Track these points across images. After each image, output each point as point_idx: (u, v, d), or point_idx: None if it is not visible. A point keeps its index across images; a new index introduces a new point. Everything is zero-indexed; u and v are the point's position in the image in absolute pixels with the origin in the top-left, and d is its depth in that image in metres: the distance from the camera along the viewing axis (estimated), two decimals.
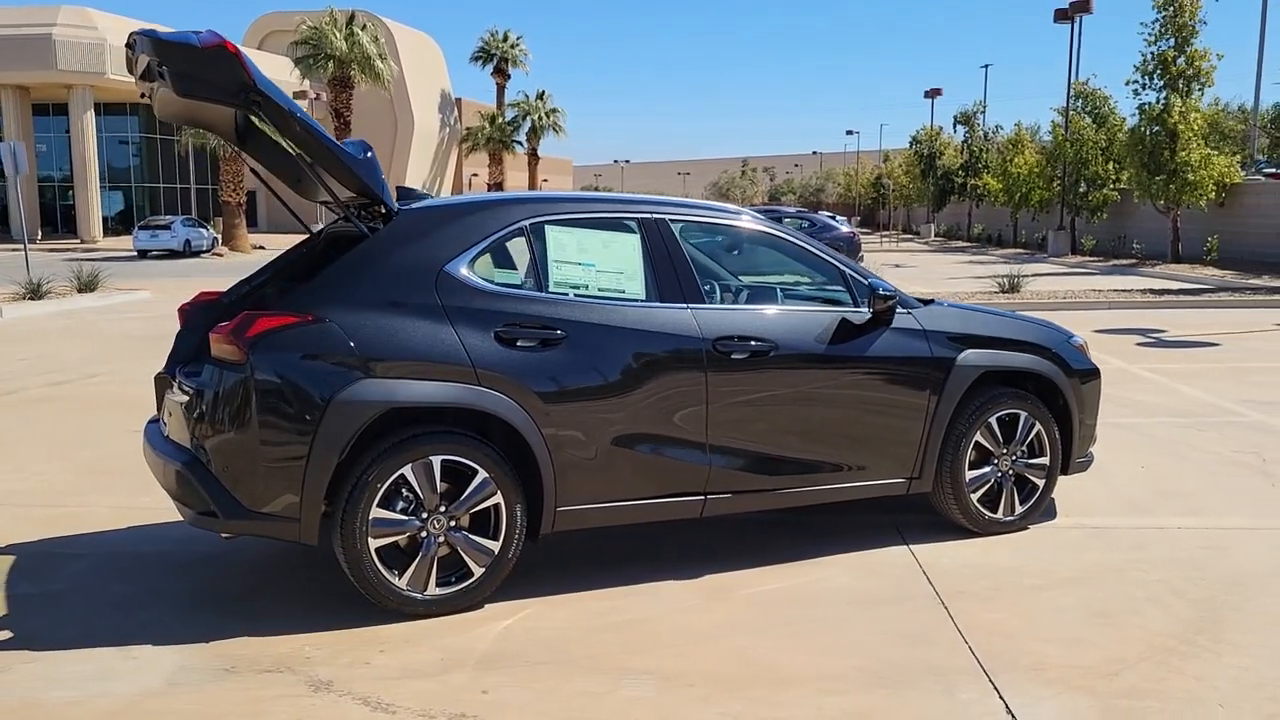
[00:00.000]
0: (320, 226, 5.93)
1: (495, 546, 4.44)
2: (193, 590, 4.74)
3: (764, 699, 3.64)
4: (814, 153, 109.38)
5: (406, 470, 4.28)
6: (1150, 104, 27.51)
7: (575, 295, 4.68)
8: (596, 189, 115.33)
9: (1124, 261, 29.69)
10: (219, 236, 43.11)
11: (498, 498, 4.42)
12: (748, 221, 5.34)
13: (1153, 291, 19.85)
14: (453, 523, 4.38)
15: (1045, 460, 5.59)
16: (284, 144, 4.57)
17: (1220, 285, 21.13)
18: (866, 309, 5.20)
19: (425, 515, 4.33)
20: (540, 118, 67.45)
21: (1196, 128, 26.72)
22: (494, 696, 3.66)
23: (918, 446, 5.27)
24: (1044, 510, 5.66)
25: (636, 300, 4.78)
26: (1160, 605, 4.49)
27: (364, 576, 4.25)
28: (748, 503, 4.98)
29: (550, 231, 4.76)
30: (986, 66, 55.57)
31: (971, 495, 5.42)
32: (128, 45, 4.63)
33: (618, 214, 4.96)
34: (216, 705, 3.60)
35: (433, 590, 4.36)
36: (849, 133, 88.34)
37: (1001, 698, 3.62)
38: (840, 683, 3.76)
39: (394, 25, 62.95)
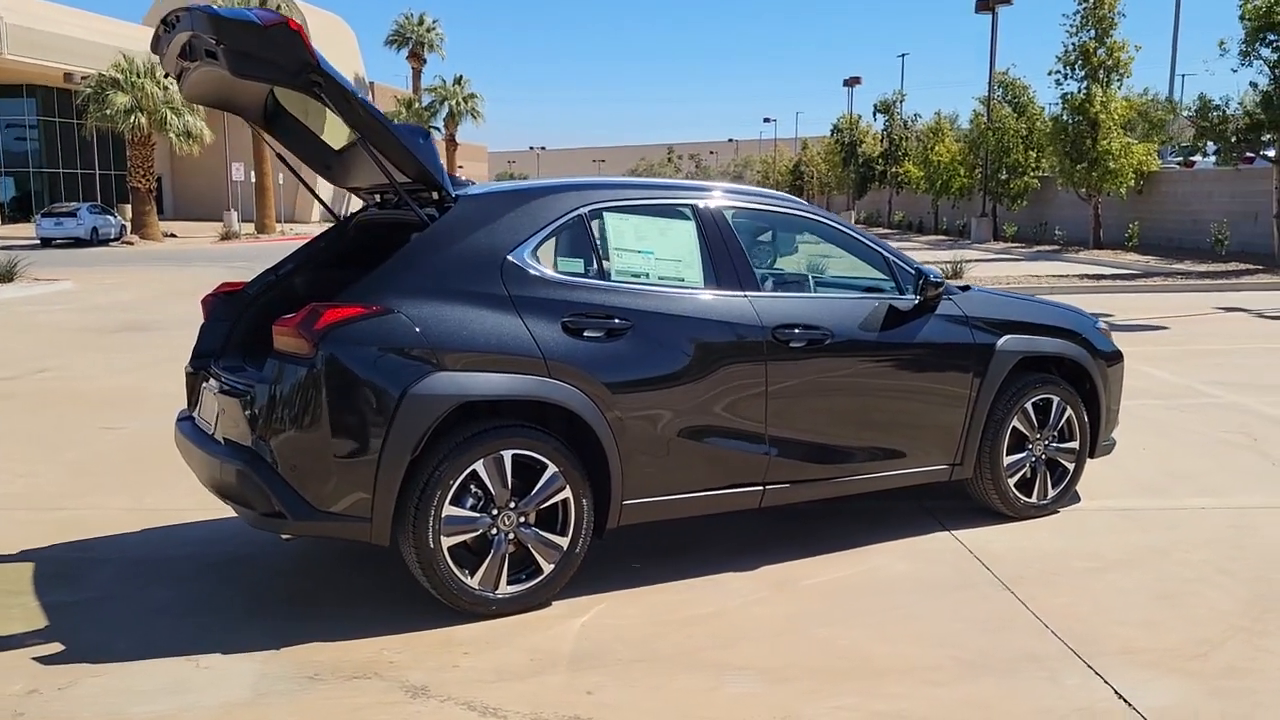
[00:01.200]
0: (329, 216, 5.75)
1: (564, 542, 4.34)
2: (237, 594, 4.53)
3: (871, 690, 3.61)
4: (730, 140, 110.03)
5: (478, 465, 4.14)
6: (1072, 94, 28.19)
7: (638, 284, 4.59)
8: (511, 176, 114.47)
9: (1047, 248, 30.44)
10: (127, 224, 41.61)
11: (566, 492, 4.31)
12: (797, 208, 5.29)
13: (1089, 276, 20.39)
14: (522, 519, 4.26)
15: (1075, 444, 5.67)
16: (308, 128, 4.37)
17: (1147, 270, 21.80)
18: (913, 295, 5.20)
19: (496, 512, 4.20)
20: (458, 103, 66.59)
21: (1117, 117, 27.49)
22: (600, 697, 3.56)
23: (960, 433, 5.29)
24: (1071, 494, 5.74)
25: (696, 289, 4.71)
26: (1214, 585, 4.57)
27: (438, 577, 4.11)
28: (804, 492, 4.95)
29: (609, 219, 4.66)
30: (903, 56, 56.53)
31: (1009, 480, 5.47)
32: (164, 22, 4.39)
33: (673, 200, 4.88)
34: (313, 715, 3.44)
35: (504, 589, 4.24)
36: (766, 120, 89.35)
37: (1107, 682, 3.64)
38: (941, 672, 3.75)
39: (304, 6, 61.35)
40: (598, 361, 4.34)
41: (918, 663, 3.83)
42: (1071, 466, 5.67)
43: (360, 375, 4.01)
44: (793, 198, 5.42)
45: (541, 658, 3.88)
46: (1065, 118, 28.34)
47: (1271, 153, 20.88)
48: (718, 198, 4.98)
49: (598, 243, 4.61)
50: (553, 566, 4.32)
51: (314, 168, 5.21)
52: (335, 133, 4.96)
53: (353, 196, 5.52)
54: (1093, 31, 27.88)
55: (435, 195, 4.57)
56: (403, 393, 4.01)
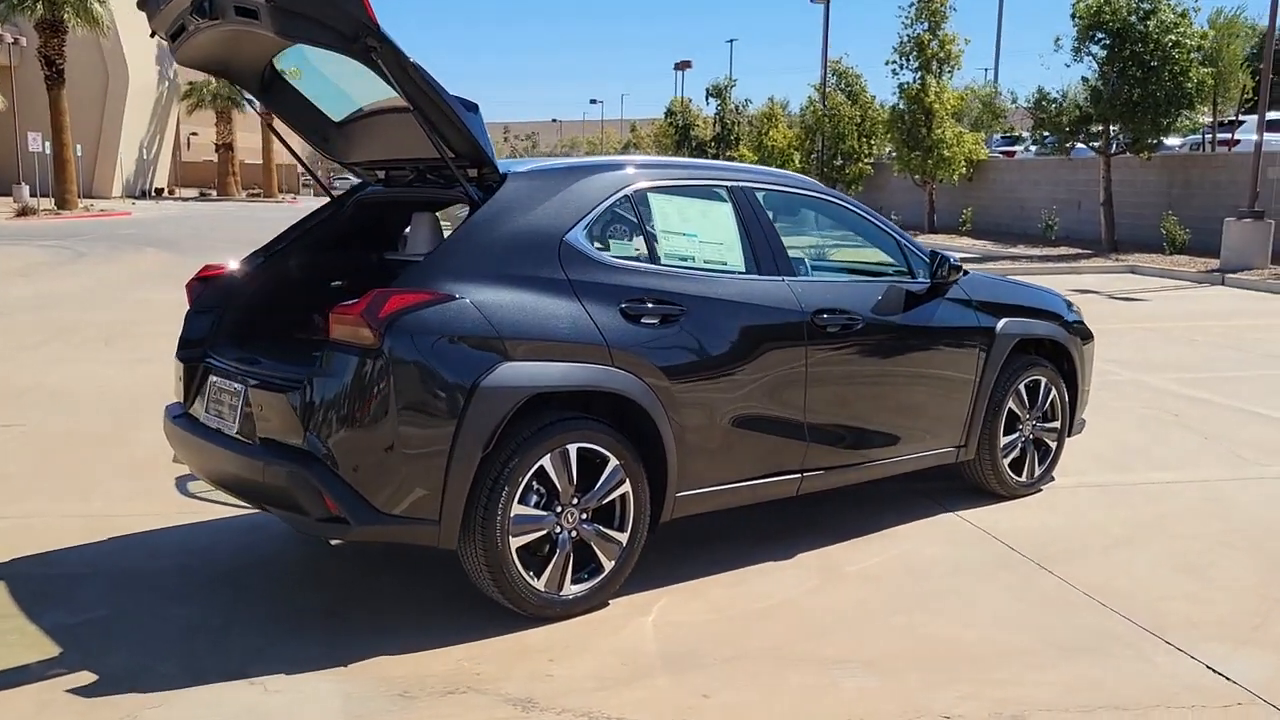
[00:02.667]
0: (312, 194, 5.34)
1: (623, 538, 4.16)
2: (265, 607, 4.14)
3: (981, 677, 3.60)
4: (554, 120, 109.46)
5: (545, 461, 3.91)
6: (908, 84, 29.31)
7: (688, 268, 4.43)
8: None
9: None
10: None
11: (626, 486, 4.13)
12: (813, 189, 5.22)
13: None
14: (584, 515, 4.05)
15: (1058, 424, 5.85)
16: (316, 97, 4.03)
17: (986, 254, 22.89)
18: (925, 279, 5.23)
19: (560, 509, 3.99)
20: None
21: (950, 106, 28.75)
22: (719, 699, 3.43)
23: (966, 415, 5.37)
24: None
25: (738, 273, 4.59)
26: (1225, 558, 4.79)
27: (506, 580, 3.86)
28: (837, 478, 4.92)
29: (654, 199, 4.48)
30: (732, 41, 57.45)
31: (1004, 461, 5.60)
32: None
33: (709, 180, 4.74)
34: None
35: (569, 589, 4.03)
36: (593, 101, 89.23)
37: (1195, 659, 3.75)
38: (1037, 655, 3.78)
39: None
40: (655, 349, 4.17)
41: (1009, 646, 3.85)
42: (1054, 445, 5.86)
43: (429, 367, 3.71)
44: (806, 178, 5.35)
45: (633, 661, 3.70)
46: (902, 107, 29.43)
47: (1098, 144, 22.24)
48: (747, 178, 4.87)
49: (646, 224, 4.42)
50: (613, 564, 4.14)
51: (310, 140, 4.82)
52: (337, 104, 4.60)
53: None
54: (926, 24, 29.03)
55: (475, 172, 4.28)
56: (474, 385, 3.74)
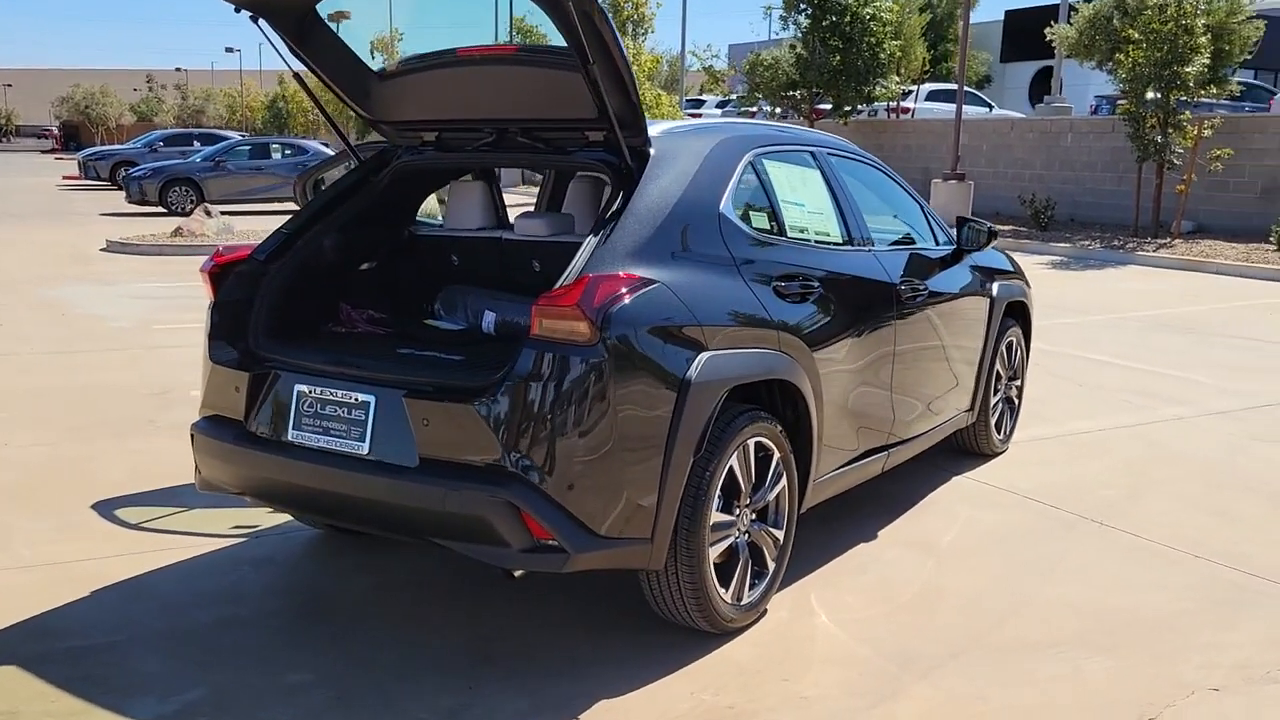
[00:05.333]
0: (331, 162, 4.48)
1: (780, 535, 3.84)
2: (394, 653, 3.43)
3: (1191, 643, 3.63)
4: (178, 69, 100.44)
5: (734, 460, 3.51)
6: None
7: (810, 240, 4.14)
8: None
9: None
10: None
11: (784, 479, 3.81)
12: (852, 152, 4.98)
13: None
14: (753, 515, 3.70)
15: (1020, 381, 6.10)
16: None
17: None
18: (948, 245, 5.22)
19: (736, 511, 3.61)
20: None
21: (647, 69, 29.28)
22: (997, 701, 3.24)
23: (976, 379, 5.45)
24: None
25: (840, 244, 4.35)
26: (1230, 501, 5.16)
27: (705, 597, 3.44)
28: (907, 452, 4.82)
29: (769, 166, 4.12)
30: None
31: (993, 420, 5.76)
32: None
33: (798, 146, 4.42)
34: None
35: (746, 596, 3.66)
36: (229, 50, 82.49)
37: None
38: (1209, 614, 3.87)
39: None
40: (805, 331, 3.87)
41: (1173, 609, 3.92)
42: (1019, 402, 6.10)
43: (645, 362, 3.21)
44: (841, 139, 5.12)
45: (868, 669, 3.42)
46: None
47: (805, 107, 23.56)
48: (816, 141, 4.61)
49: (769, 194, 4.06)
50: (774, 564, 3.81)
51: (348, 94, 4.02)
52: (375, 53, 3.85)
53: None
54: None
55: (592, 136, 3.73)
56: (686, 380, 3.27)
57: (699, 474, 3.35)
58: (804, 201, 4.25)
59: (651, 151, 3.62)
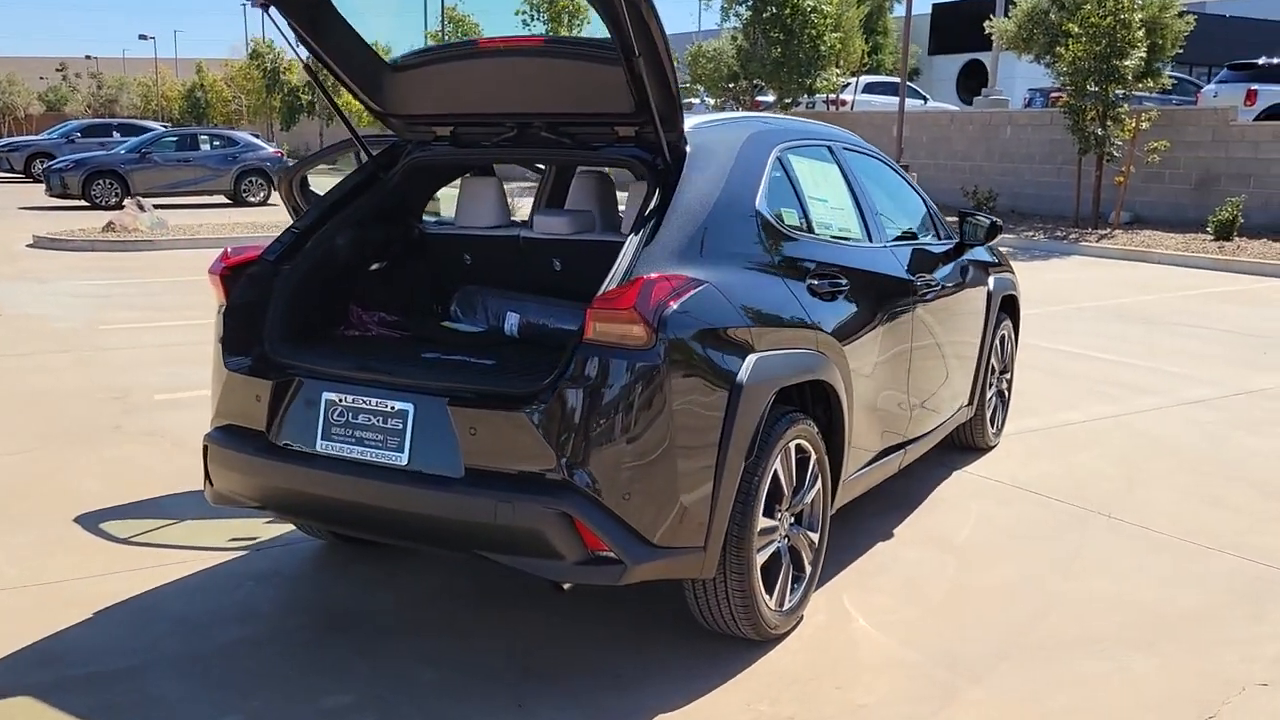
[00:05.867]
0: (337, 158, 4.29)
1: (815, 537, 3.77)
2: (455, 677, 3.29)
3: (1227, 639, 3.64)
4: (88, 56, 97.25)
5: (778, 464, 3.43)
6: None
7: (836, 236, 4.07)
8: None
9: (525, 184, 31.48)
10: None
11: (819, 481, 3.74)
12: (861, 146, 4.93)
13: None
14: (791, 519, 3.62)
15: (1010, 374, 6.12)
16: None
17: None
18: (949, 240, 5.20)
19: (778, 515, 3.53)
20: None
21: None
22: (1056, 703, 3.21)
23: (974, 372, 5.44)
24: None
25: (860, 240, 4.29)
26: (1220, 489, 5.24)
27: (753, 604, 3.36)
28: (920, 448, 4.78)
29: (794, 161, 4.04)
30: None
31: (988, 414, 5.76)
32: None
33: (816, 140, 4.35)
34: None
35: (787, 601, 3.59)
36: (143, 37, 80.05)
37: None
38: (1235, 609, 3.87)
39: None
40: (838, 330, 3.80)
41: (1200, 604, 3.93)
42: (1008, 395, 6.12)
43: (699, 366, 3.11)
44: (850, 133, 5.05)
45: (919, 674, 3.37)
46: None
47: (747, 98, 23.59)
48: (829, 134, 4.54)
49: (796, 189, 3.97)
50: (810, 567, 3.74)
51: (359, 86, 3.84)
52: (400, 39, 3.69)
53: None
54: None
55: (622, 131, 3.61)
56: (736, 383, 3.18)
57: (749, 479, 3.26)
58: (827, 197, 4.19)
59: (688, 148, 3.51)
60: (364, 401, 3.22)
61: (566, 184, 4.87)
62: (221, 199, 22.87)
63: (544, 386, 3.00)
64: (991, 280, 5.56)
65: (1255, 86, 19.04)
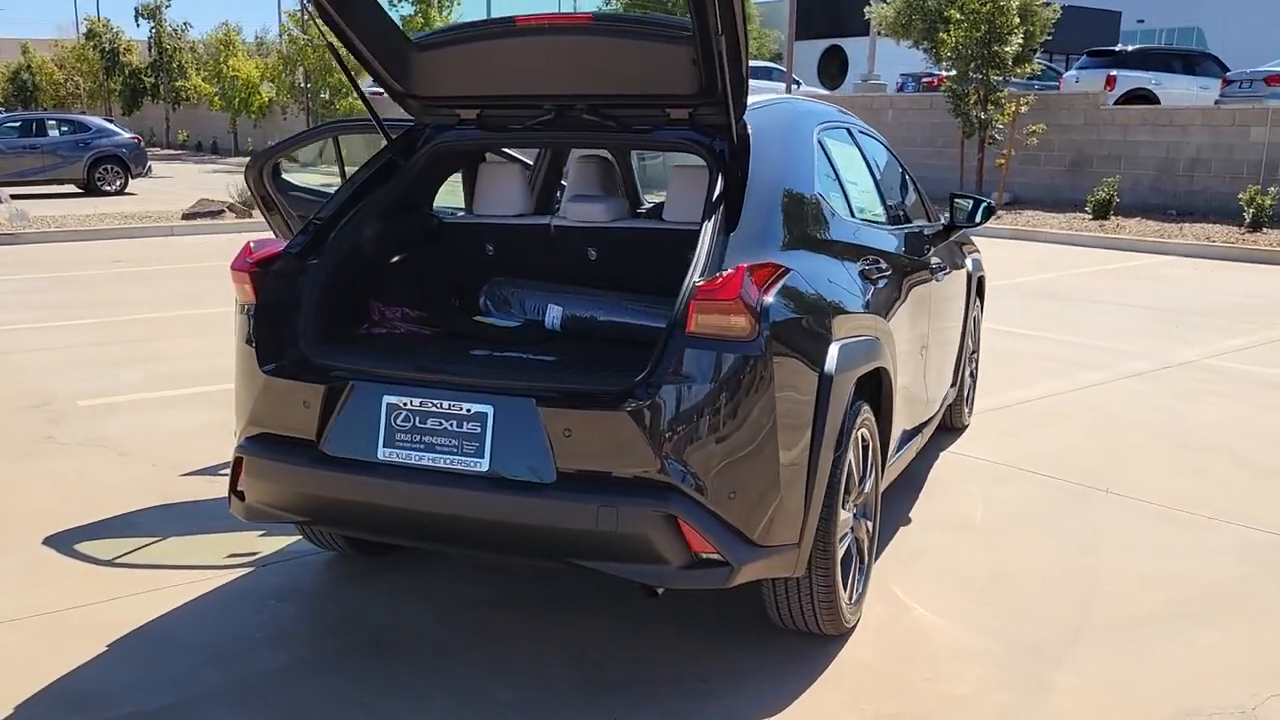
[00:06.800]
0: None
1: (871, 525, 3.70)
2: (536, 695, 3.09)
3: (1273, 609, 3.73)
4: None
5: (852, 455, 3.34)
6: (409, 16, 28.50)
7: (873, 220, 4.00)
8: None
9: None
10: None
11: (874, 470, 3.67)
12: (861, 125, 4.86)
13: None
14: (855, 510, 3.55)
15: (979, 355, 6.20)
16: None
17: None
18: (941, 222, 5.20)
19: (849, 507, 3.44)
20: None
21: None
22: (1144, 687, 3.22)
23: (957, 355, 5.48)
24: None
25: (885, 223, 4.24)
26: (1199, 460, 5.41)
27: (835, 600, 3.26)
28: (929, 430, 4.76)
29: (830, 143, 3.94)
30: None
31: (964, 394, 5.82)
32: None
33: (838, 122, 4.25)
34: None
35: (855, 594, 3.51)
36: None
37: None
38: (1267, 580, 3.98)
39: None
40: (887, 315, 3.74)
41: (1231, 576, 4.02)
42: (976, 376, 6.20)
43: (796, 357, 3.00)
44: (850, 113, 4.96)
45: (1003, 662, 3.34)
46: None
47: None
48: (845, 117, 4.46)
49: (836, 172, 3.88)
50: (870, 558, 3.68)
51: (382, 64, 3.56)
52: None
53: None
54: None
55: (674, 114, 3.45)
56: (825, 374, 3.07)
57: (835, 471, 3.17)
58: (856, 180, 4.11)
59: (753, 135, 3.36)
60: (433, 405, 2.98)
61: (559, 167, 4.69)
62: (72, 188, 21.49)
63: (640, 383, 2.83)
64: (969, 261, 5.60)
65: (1114, 72, 19.99)
